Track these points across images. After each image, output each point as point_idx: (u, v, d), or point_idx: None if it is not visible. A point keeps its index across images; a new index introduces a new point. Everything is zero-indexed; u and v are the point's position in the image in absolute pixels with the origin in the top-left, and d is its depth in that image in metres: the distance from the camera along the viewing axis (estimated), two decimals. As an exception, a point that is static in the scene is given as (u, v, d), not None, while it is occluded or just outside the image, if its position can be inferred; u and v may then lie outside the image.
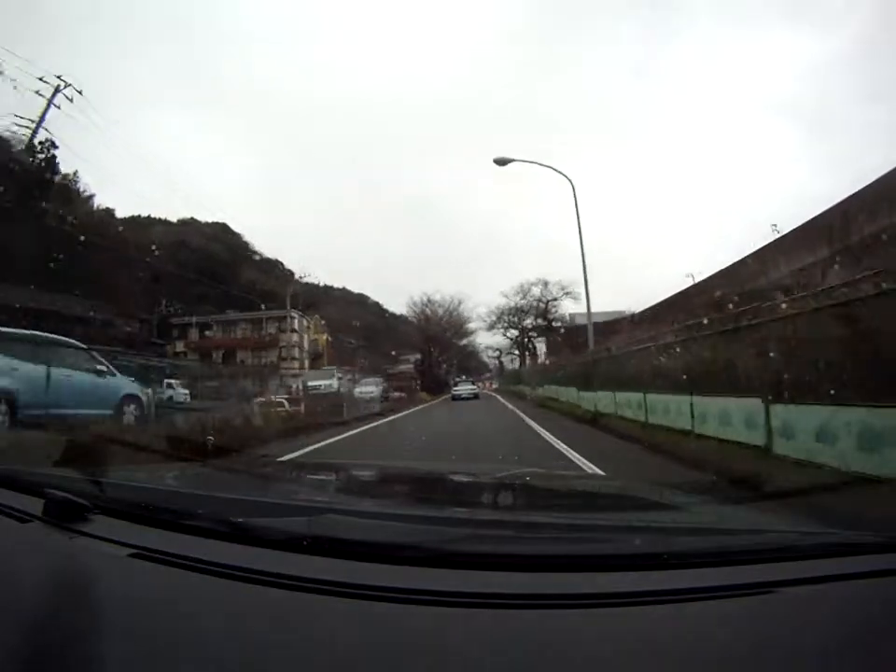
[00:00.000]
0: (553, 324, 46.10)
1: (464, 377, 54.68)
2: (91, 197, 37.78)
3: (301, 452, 8.07)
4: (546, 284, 46.80)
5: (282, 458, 5.66)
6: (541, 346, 48.85)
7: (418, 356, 51.51)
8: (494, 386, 63.03)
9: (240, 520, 0.90)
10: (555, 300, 47.25)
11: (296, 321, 46.99)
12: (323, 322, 53.25)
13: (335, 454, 8.49)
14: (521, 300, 47.95)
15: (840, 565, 0.78)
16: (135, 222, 42.97)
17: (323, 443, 9.63)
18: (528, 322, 50.41)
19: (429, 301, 47.95)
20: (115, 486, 1.13)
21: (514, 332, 53.16)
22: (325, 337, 52.53)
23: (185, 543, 0.85)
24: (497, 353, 67.01)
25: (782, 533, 1.00)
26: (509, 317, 50.60)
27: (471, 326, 50.81)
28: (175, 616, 0.70)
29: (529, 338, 51.03)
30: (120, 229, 32.83)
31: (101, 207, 38.37)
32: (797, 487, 2.20)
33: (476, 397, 30.64)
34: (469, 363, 72.23)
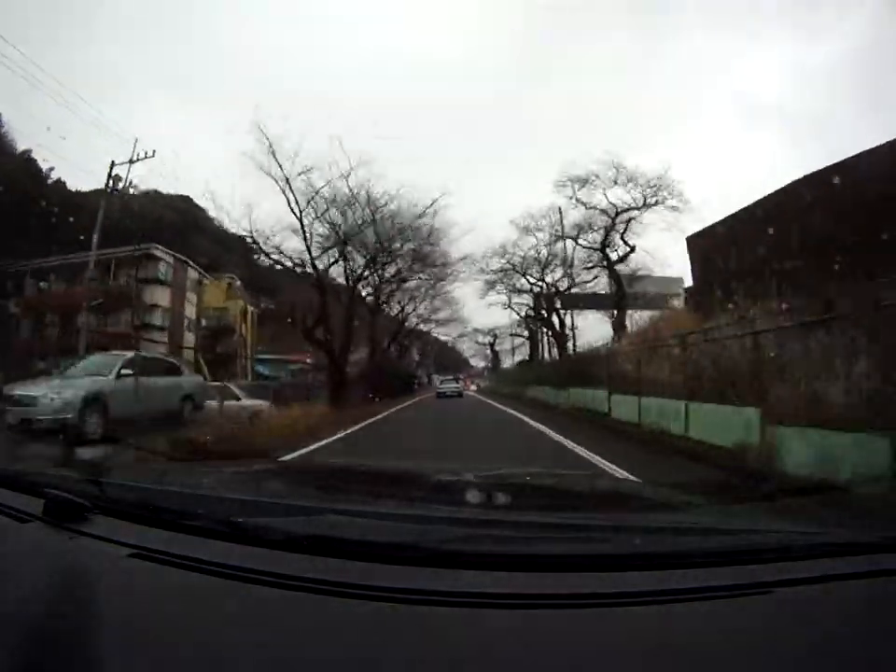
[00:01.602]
0: (613, 269, 24.59)
1: (460, 376, 46.16)
2: (27, 153, 31.37)
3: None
4: (617, 172, 23.02)
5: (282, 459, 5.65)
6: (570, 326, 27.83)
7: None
8: (473, 387, 49.57)
9: (240, 520, 0.90)
10: (643, 207, 23.51)
11: (160, 266, 28.69)
12: (239, 283, 34.47)
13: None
14: (569, 205, 24.67)
15: (840, 565, 0.78)
16: (98, 194, 37.92)
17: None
18: (553, 278, 27.83)
19: (368, 195, 19.79)
20: (115, 486, 1.14)
21: (521, 300, 31.32)
22: (242, 305, 34.26)
23: (185, 543, 0.85)
24: (490, 338, 46.27)
25: (782, 533, 1.00)
26: (523, 267, 28.18)
27: (455, 281, 27.73)
28: (175, 616, 0.70)
29: (554, 309, 28.57)
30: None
31: (26, 156, 31.25)
32: (797, 487, 2.21)
33: (460, 395, 31.32)
34: (448, 358, 57.44)
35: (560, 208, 25.46)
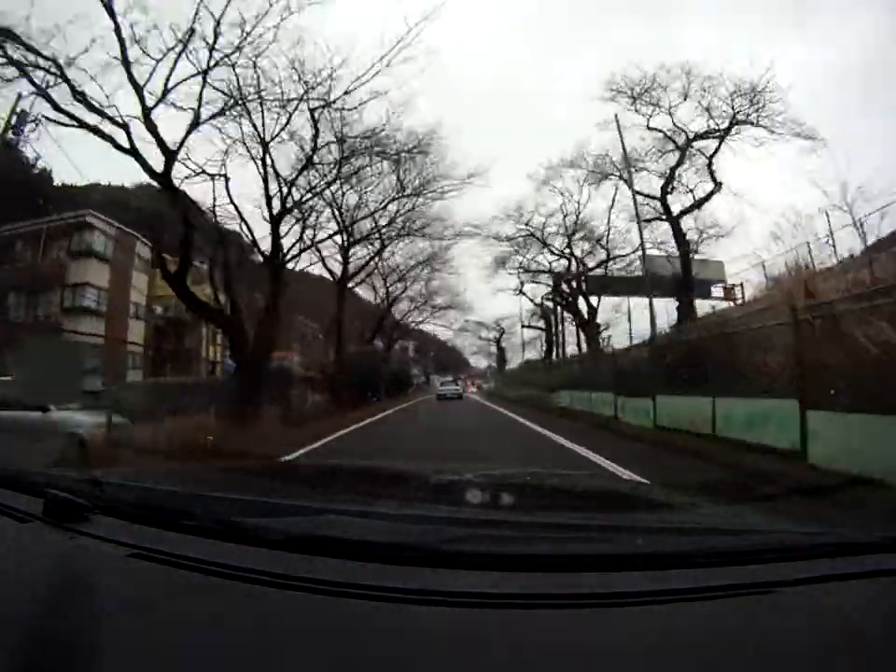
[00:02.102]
0: (678, 224, 17.46)
1: (460, 376, 46.37)
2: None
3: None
4: (688, 80, 16.52)
5: (282, 458, 5.65)
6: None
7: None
8: (473, 388, 47.40)
9: (240, 520, 0.90)
10: (729, 129, 16.35)
11: (95, 237, 22.74)
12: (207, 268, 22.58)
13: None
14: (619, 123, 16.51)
15: (840, 565, 0.78)
16: (95, 189, 32.16)
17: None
18: (582, 250, 21.72)
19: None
20: (115, 486, 1.14)
21: (537, 283, 25.21)
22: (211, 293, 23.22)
23: (185, 543, 0.85)
24: (495, 332, 40.50)
25: (782, 533, 1.00)
26: (543, 235, 21.72)
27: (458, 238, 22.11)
28: (175, 616, 0.70)
29: (581, 293, 22.24)
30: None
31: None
32: (797, 487, 2.21)
33: (459, 397, 31.43)
34: (447, 358, 56.52)
35: (616, 116, 16.89)
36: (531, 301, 28.19)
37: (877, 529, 0.94)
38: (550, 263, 24.02)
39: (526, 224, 22.50)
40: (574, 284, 23.02)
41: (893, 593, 0.75)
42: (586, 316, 22.54)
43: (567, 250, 22.63)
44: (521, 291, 26.80)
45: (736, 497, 1.64)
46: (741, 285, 18.72)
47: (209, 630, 0.66)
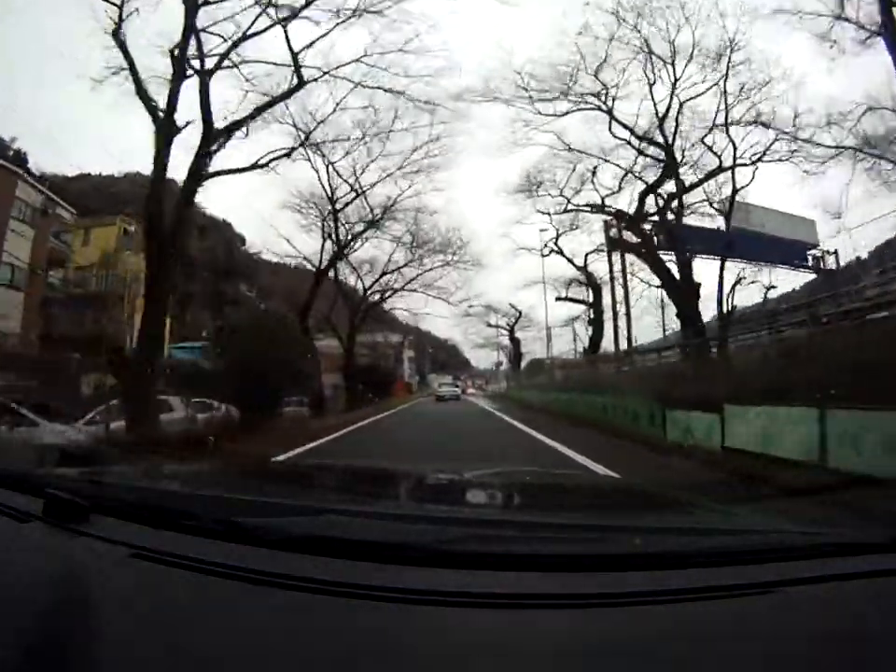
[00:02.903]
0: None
1: (460, 376, 49.56)
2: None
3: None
4: None
5: (282, 458, 5.67)
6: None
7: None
8: (472, 389, 46.68)
9: (240, 520, 0.90)
10: None
11: None
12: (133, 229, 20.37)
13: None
14: None
15: (840, 565, 0.78)
16: (84, 179, 35.07)
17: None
18: (684, 140, 12.03)
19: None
20: (115, 486, 1.14)
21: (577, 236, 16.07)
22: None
23: (185, 543, 0.86)
24: (508, 318, 30.41)
25: (782, 533, 1.00)
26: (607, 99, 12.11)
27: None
28: (175, 616, 0.70)
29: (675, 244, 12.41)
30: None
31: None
32: (797, 487, 2.22)
33: (457, 398, 32.87)
34: (446, 356, 56.12)
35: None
36: (569, 261, 18.06)
37: (878, 529, 0.94)
38: (603, 198, 13.37)
39: (597, 95, 12.08)
40: (669, 209, 12.64)
41: (893, 593, 0.75)
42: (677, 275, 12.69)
43: (661, 138, 11.72)
44: (556, 247, 16.62)
45: (735, 496, 1.65)
46: (836, 252, 14.51)
47: (209, 630, 0.66)
